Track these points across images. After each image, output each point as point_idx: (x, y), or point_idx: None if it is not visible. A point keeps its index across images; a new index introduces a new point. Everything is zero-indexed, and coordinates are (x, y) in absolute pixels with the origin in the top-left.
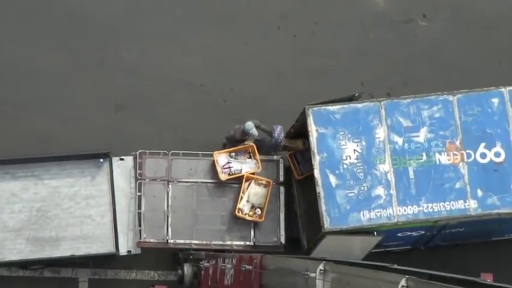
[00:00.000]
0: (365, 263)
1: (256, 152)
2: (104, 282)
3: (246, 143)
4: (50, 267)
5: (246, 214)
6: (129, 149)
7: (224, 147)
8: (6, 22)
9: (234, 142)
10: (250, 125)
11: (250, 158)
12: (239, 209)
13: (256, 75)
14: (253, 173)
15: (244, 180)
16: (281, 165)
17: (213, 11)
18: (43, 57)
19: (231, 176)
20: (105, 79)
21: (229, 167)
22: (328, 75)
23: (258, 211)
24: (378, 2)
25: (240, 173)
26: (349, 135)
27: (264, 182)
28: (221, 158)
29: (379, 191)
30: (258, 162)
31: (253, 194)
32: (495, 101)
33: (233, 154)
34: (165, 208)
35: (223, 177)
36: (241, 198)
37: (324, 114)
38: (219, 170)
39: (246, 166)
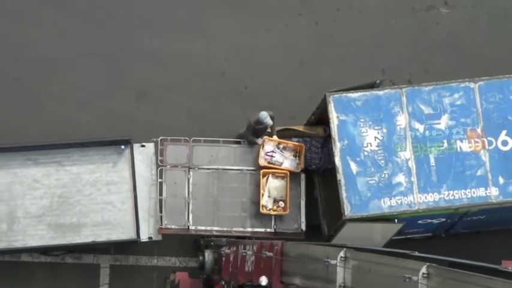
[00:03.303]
0: (386, 250)
1: (303, 153)
2: (125, 268)
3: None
4: (71, 254)
5: (270, 209)
6: (150, 136)
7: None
8: (27, 10)
9: (252, 131)
10: (264, 114)
11: (295, 156)
12: (263, 205)
13: (277, 63)
14: (270, 165)
15: (261, 176)
16: (303, 152)
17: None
18: (65, 45)
19: (270, 165)
20: (127, 67)
21: (272, 156)
22: (349, 62)
23: (281, 204)
24: None
25: (280, 166)
26: (370, 122)
27: (281, 174)
28: (268, 145)
29: (400, 178)
30: (300, 164)
31: (273, 188)
32: None
33: (281, 146)
34: (186, 195)
35: (262, 162)
36: (263, 195)
37: (344, 101)
38: (261, 154)
39: (287, 162)
